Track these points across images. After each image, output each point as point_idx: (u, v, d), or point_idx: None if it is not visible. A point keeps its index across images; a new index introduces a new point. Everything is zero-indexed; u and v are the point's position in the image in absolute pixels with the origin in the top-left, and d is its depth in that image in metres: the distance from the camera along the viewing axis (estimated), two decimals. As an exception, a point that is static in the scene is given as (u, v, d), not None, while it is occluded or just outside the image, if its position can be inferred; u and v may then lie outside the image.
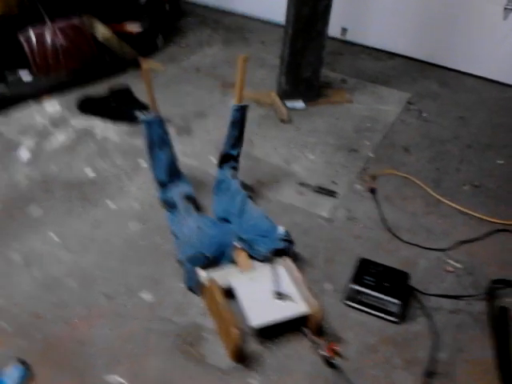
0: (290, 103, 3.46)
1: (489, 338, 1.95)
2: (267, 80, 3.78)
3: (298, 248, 2.24)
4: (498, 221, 2.56)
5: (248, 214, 2.24)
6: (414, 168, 2.97)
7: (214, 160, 2.71)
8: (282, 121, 3.31)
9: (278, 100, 3.45)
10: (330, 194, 2.68)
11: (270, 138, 3.16)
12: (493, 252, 2.39)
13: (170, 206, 2.36)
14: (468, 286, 2.20)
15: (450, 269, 2.28)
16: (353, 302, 2.02)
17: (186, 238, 2.08)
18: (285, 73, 3.43)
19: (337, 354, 1.79)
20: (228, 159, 2.49)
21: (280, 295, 1.88)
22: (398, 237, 2.43)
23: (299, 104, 3.48)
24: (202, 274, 1.94)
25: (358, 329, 1.95)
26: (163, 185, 2.41)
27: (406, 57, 4.34)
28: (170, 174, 2.41)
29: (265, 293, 1.90)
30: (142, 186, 2.65)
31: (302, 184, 2.74)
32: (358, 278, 2.03)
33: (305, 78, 3.45)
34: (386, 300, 1.96)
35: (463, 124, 3.46)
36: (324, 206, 2.60)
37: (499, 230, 2.51)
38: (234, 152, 2.46)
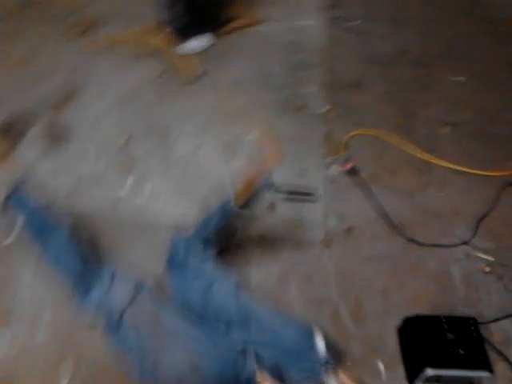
0: (189, 44, 2.38)
1: None
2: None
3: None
4: (499, 173, 2.10)
5: (256, 318, 1.41)
6: (376, 115, 2.30)
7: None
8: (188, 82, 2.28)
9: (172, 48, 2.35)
10: (307, 195, 1.91)
11: (179, 115, 2.14)
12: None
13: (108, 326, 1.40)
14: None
15: (486, 268, 1.81)
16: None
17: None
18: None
19: None
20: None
21: None
22: (413, 240, 1.85)
23: (202, 41, 2.40)
24: None
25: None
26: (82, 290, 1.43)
27: None
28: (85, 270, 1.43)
29: None
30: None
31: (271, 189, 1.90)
32: (425, 358, 1.44)
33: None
34: (472, 376, 1.43)
35: (402, 28, 2.76)
36: (309, 220, 1.86)
37: (508, 185, 2.05)
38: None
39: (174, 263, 1.54)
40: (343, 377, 1.36)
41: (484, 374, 1.43)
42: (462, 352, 1.45)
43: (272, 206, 1.89)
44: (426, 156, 2.14)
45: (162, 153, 2.02)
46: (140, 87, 2.22)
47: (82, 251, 1.48)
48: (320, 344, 1.35)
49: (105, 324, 1.42)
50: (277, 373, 1.33)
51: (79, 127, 2.08)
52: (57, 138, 1.97)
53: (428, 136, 2.24)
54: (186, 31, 2.35)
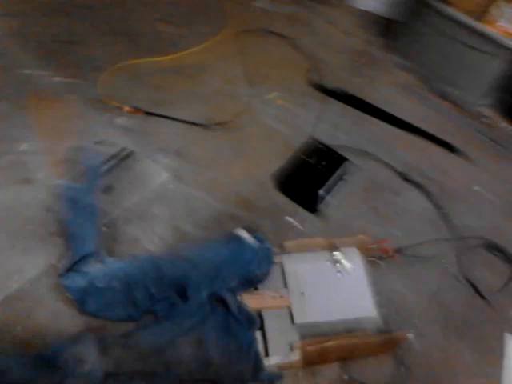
0: None
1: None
2: None
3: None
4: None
5: (194, 267, 1.44)
6: (109, 54, 2.30)
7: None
8: None
9: None
10: (123, 156, 1.88)
11: None
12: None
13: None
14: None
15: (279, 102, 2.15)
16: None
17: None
18: None
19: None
20: None
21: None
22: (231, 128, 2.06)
23: None
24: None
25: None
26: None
27: None
28: None
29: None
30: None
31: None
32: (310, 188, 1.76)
33: None
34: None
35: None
36: (147, 173, 1.85)
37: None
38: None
39: (86, 297, 1.40)
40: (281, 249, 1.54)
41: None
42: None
43: (110, 188, 1.79)
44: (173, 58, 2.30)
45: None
46: None
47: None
48: (248, 238, 1.47)
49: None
50: (247, 284, 1.43)
51: None
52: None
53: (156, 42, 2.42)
54: None
